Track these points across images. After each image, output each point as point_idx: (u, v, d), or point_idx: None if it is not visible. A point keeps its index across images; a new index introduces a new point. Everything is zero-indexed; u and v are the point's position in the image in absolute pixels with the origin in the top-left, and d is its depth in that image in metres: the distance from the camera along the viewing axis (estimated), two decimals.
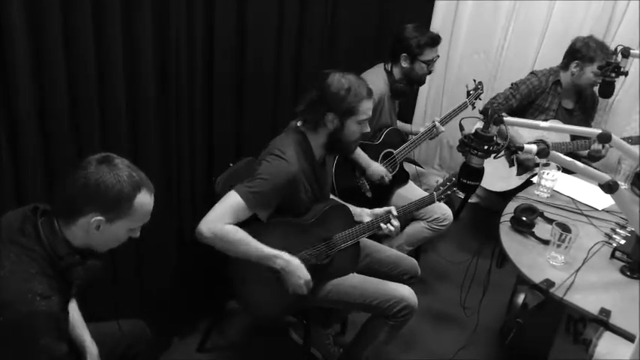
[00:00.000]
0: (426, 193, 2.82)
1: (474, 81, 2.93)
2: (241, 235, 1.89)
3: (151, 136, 2.04)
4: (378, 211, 2.19)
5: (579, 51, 2.93)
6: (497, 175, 3.05)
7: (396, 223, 2.14)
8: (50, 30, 1.58)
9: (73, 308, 1.70)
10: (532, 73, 3.11)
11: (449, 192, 2.20)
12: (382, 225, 2.12)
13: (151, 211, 1.49)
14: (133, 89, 1.92)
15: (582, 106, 3.16)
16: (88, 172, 1.36)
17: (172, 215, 2.28)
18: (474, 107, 2.91)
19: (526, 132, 2.95)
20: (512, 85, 3.08)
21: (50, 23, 1.58)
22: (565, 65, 3.02)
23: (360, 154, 2.66)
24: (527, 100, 3.05)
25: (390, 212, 2.14)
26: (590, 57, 2.89)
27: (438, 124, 2.81)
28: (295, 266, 1.96)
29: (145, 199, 1.44)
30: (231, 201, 1.90)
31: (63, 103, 1.69)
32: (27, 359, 1.31)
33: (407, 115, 3.77)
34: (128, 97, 1.90)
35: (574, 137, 2.99)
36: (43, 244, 1.37)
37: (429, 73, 2.80)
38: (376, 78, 2.75)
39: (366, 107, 1.99)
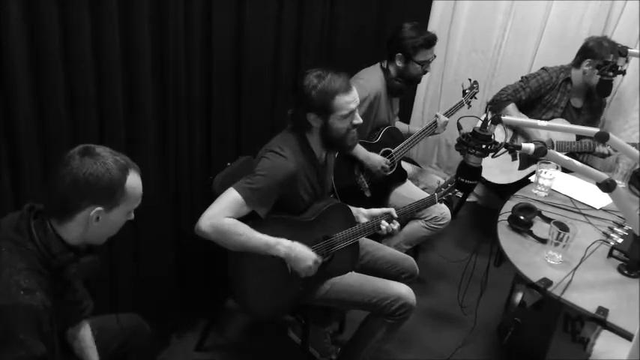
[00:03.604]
0: (424, 192, 2.85)
1: (470, 80, 2.94)
2: (240, 227, 1.89)
3: (150, 135, 2.04)
4: (375, 211, 2.18)
5: (592, 50, 2.93)
6: (500, 168, 3.06)
7: (397, 224, 2.14)
8: (48, 29, 1.58)
9: (86, 333, 1.68)
10: (543, 68, 3.12)
11: (450, 194, 2.20)
12: (385, 224, 2.12)
13: (142, 191, 1.47)
14: (132, 89, 1.91)
15: (590, 105, 3.17)
16: (74, 168, 1.34)
17: (170, 214, 2.28)
18: (469, 106, 2.92)
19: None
20: (522, 78, 3.09)
21: (48, 22, 1.58)
22: (577, 63, 3.02)
23: (358, 149, 2.66)
24: (536, 94, 3.05)
25: (390, 214, 2.14)
26: (602, 56, 2.88)
27: (441, 115, 2.81)
28: (298, 251, 1.95)
29: (135, 180, 1.43)
30: (230, 197, 1.90)
31: (61, 103, 1.69)
32: (6, 352, 1.28)
33: (405, 115, 3.77)
34: (126, 97, 1.90)
35: (579, 137, 2.99)
36: (35, 242, 1.36)
37: (424, 73, 2.78)
38: (372, 76, 2.74)
39: (343, 102, 1.94)
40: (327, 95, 1.92)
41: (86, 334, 1.68)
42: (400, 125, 3.01)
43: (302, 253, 1.96)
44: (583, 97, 3.14)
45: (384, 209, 2.17)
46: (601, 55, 2.89)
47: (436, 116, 2.83)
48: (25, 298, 1.28)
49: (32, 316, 1.29)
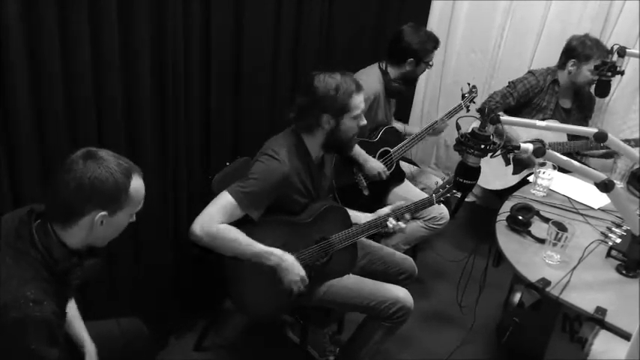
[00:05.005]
0: (422, 192, 2.85)
1: (469, 84, 2.95)
2: (234, 233, 1.89)
3: (148, 135, 2.04)
4: (383, 210, 2.17)
5: (575, 49, 2.94)
6: (494, 173, 3.06)
7: (404, 222, 2.13)
8: (47, 30, 1.58)
9: (71, 306, 1.69)
10: (530, 72, 3.12)
11: (448, 194, 2.20)
12: (392, 221, 2.10)
13: (144, 194, 1.47)
14: (130, 89, 1.91)
15: (580, 105, 3.17)
16: (77, 173, 1.34)
17: (169, 215, 2.28)
18: (468, 110, 2.92)
19: (524, 131, 2.96)
20: (509, 83, 3.09)
21: (47, 22, 1.57)
22: (562, 64, 3.03)
23: (358, 151, 2.66)
24: (525, 98, 3.05)
25: (399, 210, 2.13)
26: (586, 55, 2.89)
27: (444, 119, 2.85)
28: (289, 263, 1.95)
29: (138, 184, 1.43)
30: (224, 201, 1.90)
31: (59, 104, 1.69)
32: None
33: (404, 114, 3.77)
34: (125, 97, 1.90)
35: (572, 137, 2.99)
36: (37, 248, 1.35)
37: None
38: (370, 77, 2.75)
39: (358, 101, 1.98)
40: (345, 94, 1.94)
41: (71, 306, 1.68)
42: (397, 125, 3.02)
43: (291, 266, 1.96)
44: (571, 97, 3.14)
45: (392, 206, 2.16)
46: (585, 53, 2.89)
47: (437, 121, 2.84)
48: (35, 310, 1.28)
49: (43, 326, 1.30)
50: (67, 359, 1.42)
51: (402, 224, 2.13)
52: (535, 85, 3.04)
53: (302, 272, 1.98)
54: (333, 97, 1.93)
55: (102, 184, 1.35)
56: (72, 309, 1.69)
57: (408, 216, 2.14)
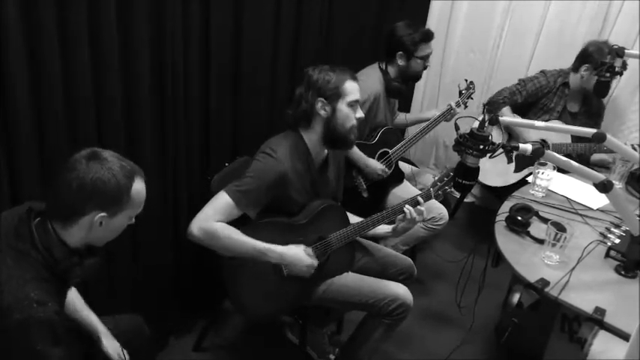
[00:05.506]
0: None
1: (466, 81, 2.94)
2: (231, 231, 1.89)
3: (148, 135, 2.04)
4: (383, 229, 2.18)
5: (591, 55, 2.91)
6: (495, 170, 3.06)
7: (421, 210, 2.11)
8: (46, 30, 1.58)
9: (75, 295, 1.70)
10: (541, 71, 3.11)
11: (446, 188, 2.19)
12: (409, 208, 2.08)
13: (145, 197, 1.48)
14: (130, 89, 1.91)
15: (587, 110, 3.15)
16: (80, 173, 1.34)
17: (168, 215, 2.28)
18: (465, 107, 2.92)
19: (532, 130, 2.96)
20: (519, 81, 3.09)
21: (46, 23, 1.57)
22: (576, 68, 3.01)
23: (357, 153, 2.67)
24: (533, 98, 3.05)
25: (415, 199, 2.11)
26: (601, 62, 2.87)
27: (453, 105, 2.83)
28: (291, 257, 1.96)
29: (139, 186, 1.44)
30: (221, 200, 1.90)
31: (59, 104, 1.69)
32: None
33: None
34: (124, 97, 1.90)
35: (576, 140, 2.98)
36: (38, 248, 1.35)
37: (425, 68, 2.82)
38: (371, 77, 2.75)
39: (353, 87, 2.01)
40: (339, 78, 1.99)
41: (75, 297, 1.69)
42: (413, 116, 3.03)
43: (295, 260, 1.96)
44: (580, 101, 3.13)
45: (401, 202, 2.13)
46: (600, 61, 2.88)
47: (449, 105, 2.84)
48: (39, 311, 1.28)
49: (46, 326, 1.30)
50: (71, 356, 1.42)
51: (421, 208, 2.10)
52: (545, 85, 3.03)
53: (307, 260, 1.98)
54: (327, 80, 1.98)
55: (104, 185, 1.35)
56: (74, 296, 1.70)
57: (421, 206, 2.12)
